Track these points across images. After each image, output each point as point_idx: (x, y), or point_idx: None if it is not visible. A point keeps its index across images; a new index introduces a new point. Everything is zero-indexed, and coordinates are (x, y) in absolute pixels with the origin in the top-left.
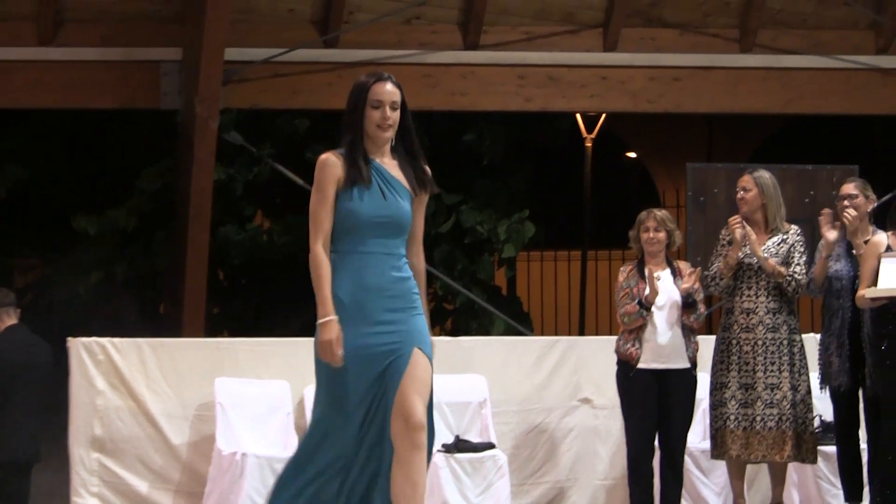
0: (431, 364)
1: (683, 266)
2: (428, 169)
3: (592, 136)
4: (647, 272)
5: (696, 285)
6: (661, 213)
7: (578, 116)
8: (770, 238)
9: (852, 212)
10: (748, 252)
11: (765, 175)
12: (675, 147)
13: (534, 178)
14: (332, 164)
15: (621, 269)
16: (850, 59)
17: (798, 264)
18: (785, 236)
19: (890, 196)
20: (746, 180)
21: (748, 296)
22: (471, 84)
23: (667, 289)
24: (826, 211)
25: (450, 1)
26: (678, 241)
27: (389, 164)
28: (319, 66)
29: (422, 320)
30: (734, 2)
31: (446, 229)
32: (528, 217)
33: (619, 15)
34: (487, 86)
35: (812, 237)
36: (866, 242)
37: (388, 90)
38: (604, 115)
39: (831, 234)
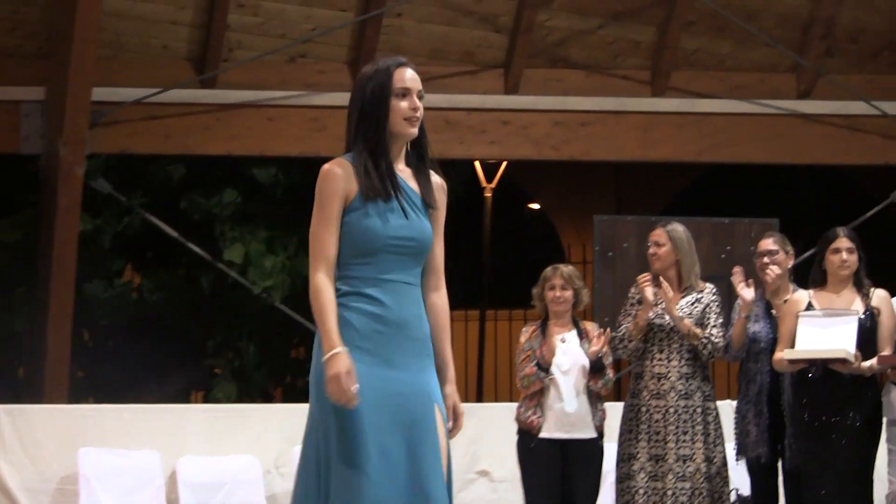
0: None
1: (590, 327)
2: (442, 181)
3: (492, 185)
4: (547, 331)
5: (605, 348)
6: (567, 269)
7: (478, 164)
8: (684, 297)
9: (775, 269)
10: (660, 312)
11: (678, 229)
12: (582, 198)
13: None
14: (337, 175)
15: (523, 329)
16: (771, 103)
17: (714, 325)
18: (700, 295)
19: (813, 251)
20: (659, 234)
21: (659, 359)
22: None
23: (572, 352)
24: (737, 269)
25: (338, 38)
26: (585, 300)
27: (405, 173)
28: (196, 108)
29: (434, 373)
30: (646, 41)
31: None
32: None
33: (522, 55)
34: None
35: (728, 296)
36: (785, 301)
37: (414, 76)
38: (505, 163)
39: (748, 294)
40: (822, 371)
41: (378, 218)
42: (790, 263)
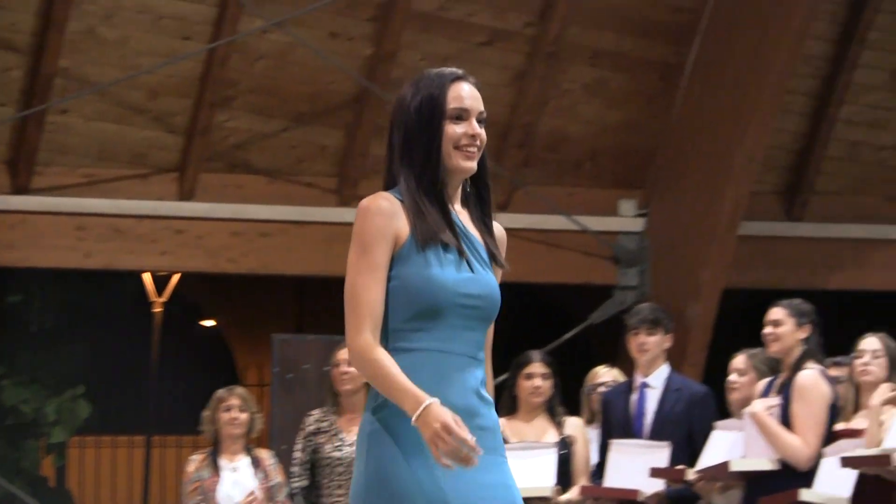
0: None
1: (265, 456)
2: (504, 232)
3: (163, 299)
4: (218, 460)
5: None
6: (241, 391)
7: (147, 276)
8: None
9: None
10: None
11: None
12: (260, 315)
13: (91, 349)
14: (385, 211)
15: (191, 457)
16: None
17: None
18: None
19: (505, 376)
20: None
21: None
22: (18, 235)
23: (244, 483)
24: None
25: None
26: (259, 426)
27: (463, 217)
28: None
29: (511, 474)
30: (332, 146)
31: None
32: (82, 395)
33: (198, 158)
34: (39, 237)
35: None
36: None
37: (474, 94)
38: (177, 276)
39: None
40: None
41: (441, 268)
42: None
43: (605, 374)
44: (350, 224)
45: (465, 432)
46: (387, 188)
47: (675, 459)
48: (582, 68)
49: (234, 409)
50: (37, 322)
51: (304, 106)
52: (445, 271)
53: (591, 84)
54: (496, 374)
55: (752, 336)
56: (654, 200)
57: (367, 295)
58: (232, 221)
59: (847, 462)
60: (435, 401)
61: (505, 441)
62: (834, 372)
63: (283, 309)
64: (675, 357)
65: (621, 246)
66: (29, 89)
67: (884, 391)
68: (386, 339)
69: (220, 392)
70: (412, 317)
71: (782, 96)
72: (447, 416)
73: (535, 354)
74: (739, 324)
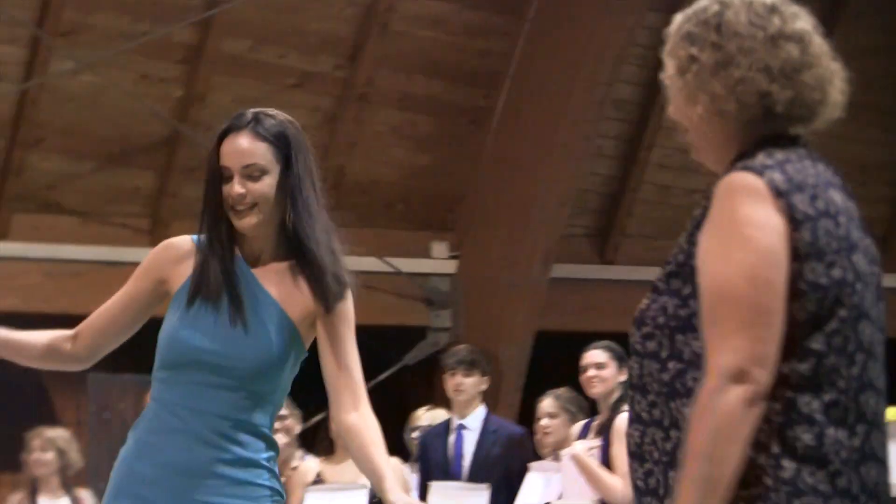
0: None
1: (84, 495)
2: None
3: None
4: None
5: None
6: (49, 432)
7: None
8: None
9: None
10: None
11: None
12: None
13: None
14: (169, 248)
15: (9, 497)
16: None
17: None
18: None
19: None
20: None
21: None
22: None
23: None
24: None
25: None
26: (75, 465)
27: (268, 271)
28: None
29: None
30: (144, 187)
31: None
32: None
33: (10, 198)
34: None
35: None
36: (294, 469)
37: (238, 147)
38: None
39: None
40: None
41: (188, 325)
42: (297, 429)
43: (425, 417)
44: None
45: None
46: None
47: (494, 501)
48: (391, 111)
49: (36, 450)
50: None
51: (115, 147)
52: (192, 328)
53: (401, 126)
54: (314, 413)
55: (567, 378)
56: (465, 243)
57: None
58: (45, 262)
59: None
60: None
61: (322, 482)
62: None
63: None
64: (490, 399)
65: (434, 288)
66: None
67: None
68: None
69: (30, 433)
70: (159, 365)
71: (592, 140)
72: None
73: None
74: (553, 366)
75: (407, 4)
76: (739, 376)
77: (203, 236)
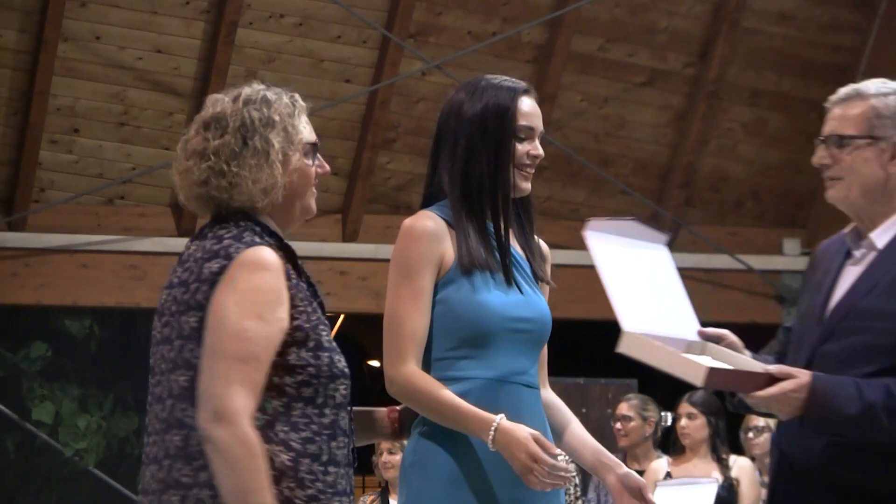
0: None
1: None
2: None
3: None
4: None
5: None
6: None
7: None
8: None
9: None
10: None
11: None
12: None
13: None
14: (429, 233)
15: (360, 499)
16: None
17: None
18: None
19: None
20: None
21: None
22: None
23: None
24: None
25: (160, 178)
26: None
27: (509, 235)
28: (2, 253)
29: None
30: None
31: None
32: None
33: (360, 200)
34: None
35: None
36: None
37: (538, 111)
38: (342, 317)
39: None
40: None
41: (487, 293)
42: (649, 430)
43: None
44: None
45: (551, 457)
46: (427, 203)
47: None
48: (741, 108)
49: (384, 453)
50: None
51: None
52: (493, 295)
53: (751, 123)
54: (666, 409)
55: None
56: (817, 240)
57: (409, 323)
58: None
59: None
60: (502, 418)
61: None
62: None
63: None
64: None
65: (785, 285)
66: None
67: None
68: (428, 369)
69: None
70: (455, 345)
71: None
72: (528, 440)
73: (690, 395)
74: None
75: (756, 1)
76: None
77: (457, 201)
